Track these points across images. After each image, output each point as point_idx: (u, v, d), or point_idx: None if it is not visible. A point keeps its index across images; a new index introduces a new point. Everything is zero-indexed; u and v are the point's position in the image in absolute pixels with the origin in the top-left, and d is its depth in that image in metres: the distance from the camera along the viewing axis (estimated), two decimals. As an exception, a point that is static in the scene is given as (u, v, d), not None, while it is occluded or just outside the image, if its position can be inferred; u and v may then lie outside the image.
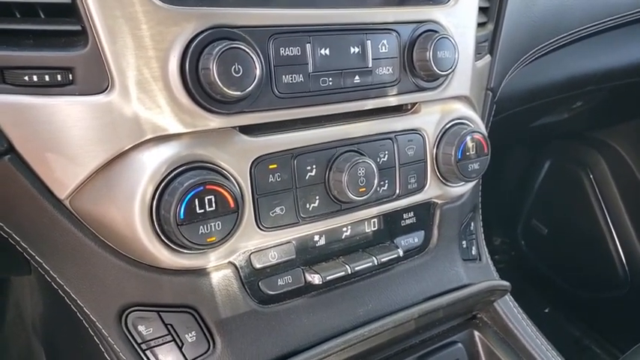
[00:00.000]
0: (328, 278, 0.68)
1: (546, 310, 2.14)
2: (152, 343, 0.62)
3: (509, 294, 0.88)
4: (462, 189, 0.81)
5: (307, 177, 0.66)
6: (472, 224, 0.90)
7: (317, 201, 0.67)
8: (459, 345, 0.82)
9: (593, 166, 2.05)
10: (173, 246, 0.58)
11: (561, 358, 0.82)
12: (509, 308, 0.85)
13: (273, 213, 0.64)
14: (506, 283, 0.79)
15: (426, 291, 0.76)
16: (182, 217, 0.55)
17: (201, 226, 0.56)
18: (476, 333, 0.85)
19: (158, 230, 0.56)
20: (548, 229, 2.19)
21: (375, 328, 0.66)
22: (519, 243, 2.28)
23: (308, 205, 0.67)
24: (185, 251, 0.59)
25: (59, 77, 0.54)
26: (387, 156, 0.72)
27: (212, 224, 0.57)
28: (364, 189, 0.67)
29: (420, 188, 0.76)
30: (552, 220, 2.18)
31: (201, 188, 0.56)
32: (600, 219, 2.03)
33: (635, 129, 1.96)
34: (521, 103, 1.22)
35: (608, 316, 2.01)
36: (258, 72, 0.57)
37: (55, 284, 0.63)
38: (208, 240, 0.57)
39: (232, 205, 0.58)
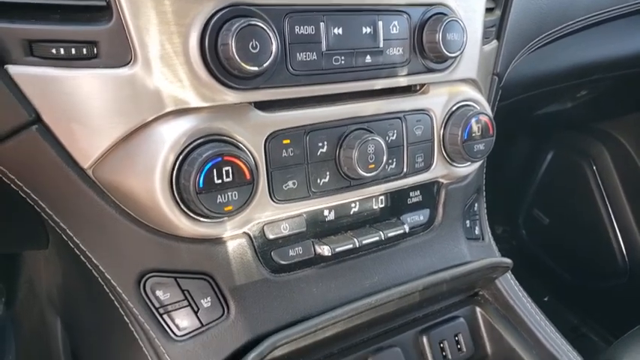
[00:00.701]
0: (337, 250, 0.71)
1: (545, 299, 2.17)
2: (169, 308, 0.65)
3: (510, 272, 0.91)
4: (467, 169, 0.83)
5: (319, 153, 0.68)
6: (476, 205, 0.93)
7: (327, 177, 0.70)
8: (461, 319, 0.85)
9: (596, 157, 2.06)
10: (192, 214, 0.61)
11: (559, 334, 0.85)
12: (510, 286, 0.88)
13: (285, 186, 0.67)
14: (507, 260, 0.81)
15: (430, 266, 0.79)
16: (201, 185, 0.58)
17: (219, 195, 0.59)
18: (477, 309, 0.88)
19: (178, 199, 0.59)
20: (550, 218, 2.22)
21: (381, 298, 0.69)
22: (520, 232, 2.30)
23: (319, 181, 0.69)
24: (203, 220, 0.62)
25: (84, 50, 0.57)
26: (395, 135, 0.74)
27: (229, 194, 0.60)
28: (373, 165, 0.70)
29: (426, 167, 0.79)
30: (554, 210, 2.20)
31: (219, 159, 0.58)
32: (602, 210, 2.05)
33: (637, 120, 1.98)
34: (526, 90, 1.24)
35: (607, 305, 2.04)
36: (274, 48, 0.59)
37: (78, 250, 0.65)
38: (225, 209, 0.60)
39: (248, 176, 0.60)
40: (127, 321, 0.66)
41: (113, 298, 0.66)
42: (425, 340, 0.81)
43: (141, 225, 0.63)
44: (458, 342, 0.83)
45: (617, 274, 2.02)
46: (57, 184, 0.62)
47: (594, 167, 2.06)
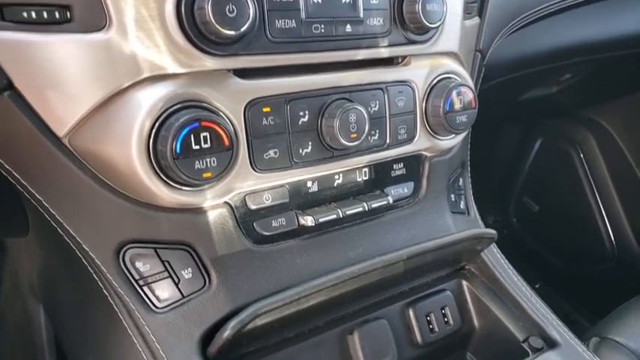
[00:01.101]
0: (320, 220, 0.71)
1: (537, 286, 2.19)
2: (149, 279, 0.64)
3: (496, 245, 0.91)
4: (450, 142, 0.83)
5: (300, 122, 0.68)
6: (460, 180, 0.93)
7: (310, 147, 0.69)
8: (448, 292, 0.84)
9: (583, 144, 2.08)
10: (171, 182, 0.60)
11: (545, 304, 0.85)
12: (496, 259, 0.88)
13: (267, 155, 0.66)
14: (492, 231, 0.81)
15: (415, 238, 0.79)
16: (178, 151, 0.57)
17: (197, 162, 0.58)
18: (464, 282, 0.87)
19: (155, 166, 0.58)
20: (540, 206, 2.23)
21: (364, 266, 0.69)
22: (511, 220, 2.32)
23: (301, 151, 0.69)
24: (182, 188, 0.61)
25: (57, 14, 0.56)
26: (377, 106, 0.74)
27: (207, 160, 0.59)
28: (355, 135, 0.70)
29: (409, 139, 0.78)
30: (543, 197, 2.22)
31: (197, 124, 0.57)
32: (589, 196, 2.07)
33: (623, 107, 2.00)
34: (509, 72, 1.24)
35: (596, 290, 2.06)
36: (251, 12, 0.58)
37: (55, 223, 0.64)
38: (204, 176, 0.59)
39: (227, 143, 0.60)
40: (106, 294, 0.64)
41: (92, 270, 0.65)
42: (411, 312, 0.81)
43: (119, 195, 0.62)
44: (445, 315, 0.83)
45: (606, 258, 2.04)
46: (31, 154, 0.61)
47: (581, 154, 2.08)
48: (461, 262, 0.89)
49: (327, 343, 0.74)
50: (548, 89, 1.62)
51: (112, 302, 0.64)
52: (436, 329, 0.82)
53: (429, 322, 0.82)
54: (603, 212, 2.06)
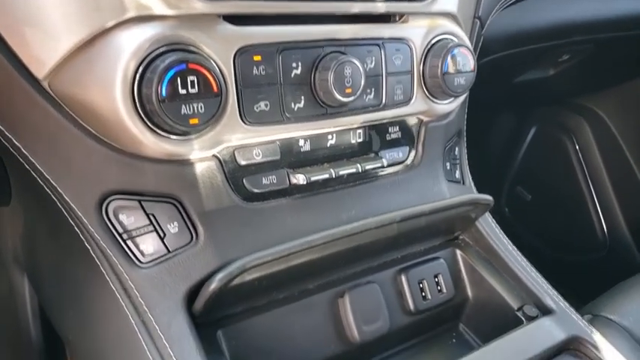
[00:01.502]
0: (312, 179, 0.68)
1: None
2: (133, 233, 0.62)
3: (491, 215, 0.89)
4: (447, 106, 0.81)
5: (293, 75, 0.65)
6: (457, 149, 0.91)
7: (302, 101, 0.67)
8: (441, 260, 0.83)
9: (578, 133, 2.07)
10: (156, 129, 0.57)
11: (540, 275, 0.84)
12: (491, 228, 0.86)
13: (257, 107, 0.64)
14: (488, 197, 0.79)
15: (409, 203, 0.76)
16: (164, 94, 0.54)
17: (184, 106, 0.56)
18: (458, 252, 0.86)
19: (140, 111, 0.56)
20: (532, 195, 2.22)
21: (357, 226, 0.67)
22: (503, 210, 2.31)
23: (293, 105, 0.66)
24: (169, 136, 0.58)
25: (38, -54, 0.53)
26: (373, 62, 0.72)
27: (195, 105, 0.56)
28: (350, 90, 0.67)
29: (406, 101, 0.76)
30: (536, 186, 2.21)
31: (184, 67, 0.55)
32: (583, 185, 2.07)
33: (618, 95, 1.99)
34: (506, 46, 1.22)
35: (587, 279, 2.06)
36: (243, -48, 0.56)
37: (35, 172, 0.61)
38: (191, 122, 0.56)
39: (215, 89, 0.57)
40: (88, 247, 0.62)
41: (73, 224, 0.62)
42: (404, 278, 0.78)
43: (102, 143, 0.59)
44: (438, 283, 0.81)
45: (597, 248, 2.04)
46: (9, 96, 0.58)
47: (576, 143, 2.08)
48: (455, 232, 0.87)
49: (318, 306, 0.72)
50: (545, 72, 1.60)
51: (93, 256, 0.62)
52: (429, 296, 0.80)
53: (422, 290, 0.80)
54: (596, 201, 2.05)
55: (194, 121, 0.57)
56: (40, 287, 0.78)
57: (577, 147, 2.09)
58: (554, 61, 1.53)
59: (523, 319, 0.78)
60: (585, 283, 2.07)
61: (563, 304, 0.80)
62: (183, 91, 0.55)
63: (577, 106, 2.08)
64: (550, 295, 0.80)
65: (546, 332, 0.72)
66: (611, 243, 2.03)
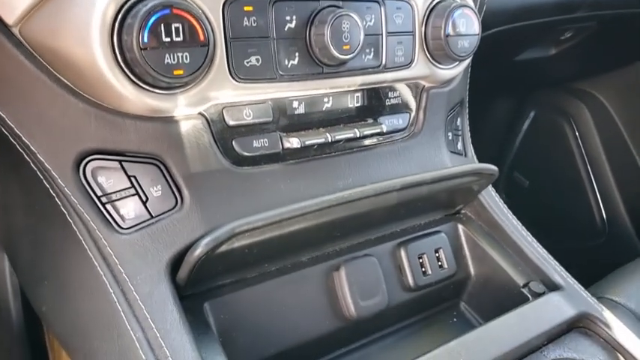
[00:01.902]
0: (307, 143, 0.64)
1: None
2: (113, 197, 0.57)
3: (494, 189, 0.85)
4: (450, 72, 0.76)
5: (286, 28, 0.61)
6: (459, 120, 0.86)
7: (297, 58, 0.62)
8: (442, 234, 0.78)
9: (577, 117, 2.04)
10: (138, 81, 0.52)
11: (545, 250, 0.80)
12: (494, 202, 0.82)
13: (248, 62, 0.59)
14: (493, 167, 0.75)
15: (409, 172, 0.72)
16: (146, 41, 0.50)
17: (167, 55, 0.51)
18: (459, 226, 0.81)
19: (120, 60, 0.51)
20: (530, 181, 2.19)
21: (355, 192, 0.62)
22: (500, 196, 2.27)
23: (287, 62, 0.62)
24: (152, 90, 0.53)
25: None
26: (373, 20, 0.67)
27: (179, 55, 0.52)
28: (348, 47, 0.63)
29: (407, 64, 0.72)
30: (534, 172, 2.17)
31: (168, 11, 0.50)
32: (582, 170, 2.04)
33: (619, 79, 1.95)
34: (510, 20, 1.18)
35: (585, 266, 2.03)
36: None
37: (6, 128, 0.57)
38: (175, 72, 0.52)
39: (202, 37, 0.53)
40: (64, 211, 0.57)
41: (48, 186, 0.57)
42: (403, 252, 0.74)
43: (80, 97, 0.55)
44: (439, 258, 0.77)
45: (596, 234, 2.01)
46: (-23, 44, 0.53)
47: (575, 128, 2.04)
48: (456, 206, 0.83)
49: (312, 279, 0.68)
50: (546, 51, 1.56)
51: (70, 221, 0.57)
52: (429, 272, 0.76)
53: (422, 265, 0.76)
54: (595, 188, 2.02)
55: (178, 72, 0.52)
56: (16, 259, 0.73)
57: (577, 132, 2.05)
58: (556, 39, 1.49)
59: (529, 295, 0.74)
60: (583, 270, 2.05)
61: (572, 281, 0.76)
62: (167, 39, 0.51)
63: (577, 91, 2.04)
64: (558, 272, 0.76)
65: (555, 308, 0.68)
66: (610, 230, 2.00)
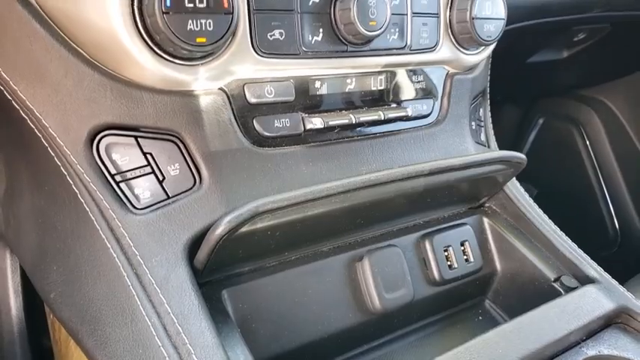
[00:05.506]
0: (330, 123, 0.61)
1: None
2: (128, 175, 0.54)
3: (518, 182, 0.81)
4: (475, 57, 0.74)
5: (311, 2, 0.58)
6: (481, 110, 0.83)
7: (320, 34, 0.60)
8: (467, 226, 0.75)
9: (587, 124, 2.01)
10: (157, 49, 0.50)
11: (572, 242, 0.76)
12: (520, 194, 0.79)
13: (271, 35, 0.56)
14: (522, 155, 0.72)
15: (434, 159, 0.69)
16: (168, 4, 0.47)
17: (190, 20, 0.48)
18: (485, 219, 0.78)
19: (140, 25, 0.48)
20: (539, 190, 2.16)
21: (382, 175, 0.59)
22: (508, 206, 2.24)
23: (310, 37, 0.59)
24: (172, 59, 0.51)
25: None
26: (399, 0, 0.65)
27: (202, 22, 0.49)
28: (374, 23, 0.60)
29: (432, 46, 0.69)
30: (543, 180, 2.14)
31: (191, -26, 0.48)
32: (593, 180, 2.00)
33: (629, 86, 1.93)
34: (524, 18, 1.16)
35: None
36: None
37: (16, 102, 0.53)
38: (197, 40, 0.49)
39: (226, 4, 0.50)
40: (76, 191, 0.53)
41: (59, 163, 0.54)
42: (427, 244, 0.71)
43: (95, 67, 0.52)
44: (464, 251, 0.73)
45: (608, 245, 1.97)
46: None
47: (585, 135, 2.01)
48: (480, 198, 0.80)
49: (333, 270, 0.64)
50: (559, 53, 1.54)
51: (81, 201, 0.53)
52: (455, 265, 0.72)
53: (448, 258, 0.72)
54: (607, 197, 1.99)
55: (201, 39, 0.49)
56: (20, 247, 0.69)
57: (587, 141, 2.03)
58: (570, 40, 1.47)
59: (561, 290, 0.70)
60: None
61: (607, 275, 0.72)
62: (190, 5, 0.48)
63: (586, 98, 2.02)
64: (591, 265, 0.72)
65: (592, 301, 0.64)
66: (623, 239, 1.96)
